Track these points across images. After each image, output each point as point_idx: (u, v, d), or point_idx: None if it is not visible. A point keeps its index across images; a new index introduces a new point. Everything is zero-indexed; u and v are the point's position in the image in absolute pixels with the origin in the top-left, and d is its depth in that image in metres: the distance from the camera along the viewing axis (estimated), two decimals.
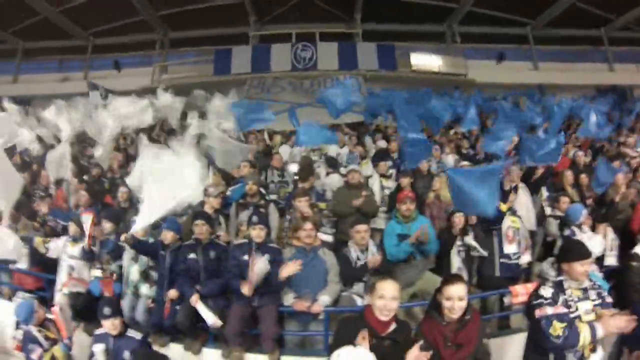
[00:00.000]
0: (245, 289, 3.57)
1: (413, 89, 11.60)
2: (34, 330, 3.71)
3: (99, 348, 3.33)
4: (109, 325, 3.29)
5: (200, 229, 3.98)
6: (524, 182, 5.74)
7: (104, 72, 18.07)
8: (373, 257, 3.89)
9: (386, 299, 2.48)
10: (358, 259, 3.97)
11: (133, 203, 5.75)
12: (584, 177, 6.01)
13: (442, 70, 16.46)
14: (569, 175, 5.95)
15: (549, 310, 2.59)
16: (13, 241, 5.09)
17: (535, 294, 2.74)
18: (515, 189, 5.20)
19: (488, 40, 17.76)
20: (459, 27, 17.39)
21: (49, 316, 3.97)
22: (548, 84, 15.97)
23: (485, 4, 15.91)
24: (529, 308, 2.77)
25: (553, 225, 4.72)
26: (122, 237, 4.07)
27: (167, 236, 4.08)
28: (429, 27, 17.65)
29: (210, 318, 3.66)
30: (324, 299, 3.71)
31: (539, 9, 16.28)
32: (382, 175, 6.04)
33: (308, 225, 3.89)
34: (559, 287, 2.71)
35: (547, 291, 2.68)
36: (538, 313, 2.62)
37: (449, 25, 17.54)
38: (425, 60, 16.57)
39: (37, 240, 5.07)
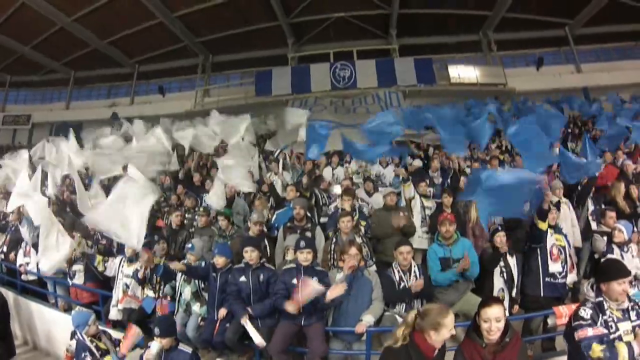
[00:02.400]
0: (290, 307, 3.68)
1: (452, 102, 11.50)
2: (87, 339, 3.99)
3: (155, 347, 3.53)
4: (158, 342, 3.51)
5: (250, 255, 4.14)
6: (568, 195, 5.58)
7: (149, 97, 19.19)
8: (417, 282, 3.94)
9: (445, 335, 2.52)
10: (401, 279, 4.03)
11: (185, 226, 6.10)
12: (634, 189, 5.71)
13: (481, 81, 16.30)
14: (621, 187, 5.55)
15: (590, 332, 2.61)
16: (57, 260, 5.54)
17: (574, 316, 2.74)
18: (558, 205, 5.05)
19: (525, 46, 17.45)
20: (494, 34, 17.19)
21: (102, 328, 4.33)
22: (593, 86, 15.36)
23: (519, 8, 15.65)
24: (568, 330, 2.77)
25: (600, 242, 4.50)
26: (174, 266, 4.38)
27: (220, 261, 4.30)
28: (465, 37, 17.58)
29: (257, 338, 3.80)
30: (368, 318, 3.78)
31: (576, 8, 15.84)
32: (422, 195, 6.03)
33: (353, 250, 3.97)
34: (598, 308, 2.71)
35: (586, 312, 2.69)
36: (578, 335, 2.63)
37: (484, 33, 17.37)
38: (464, 72, 16.50)
39: (98, 258, 5.51)
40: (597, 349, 2.53)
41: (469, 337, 2.66)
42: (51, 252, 5.44)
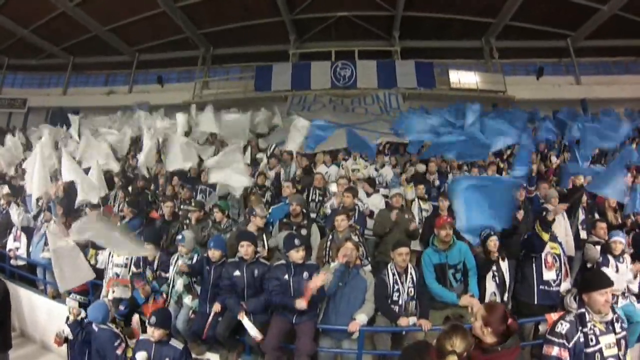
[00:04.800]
0: (301, 304, 3.64)
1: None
2: (113, 327, 4.03)
3: (140, 356, 3.50)
4: (151, 332, 3.48)
5: (246, 250, 4.11)
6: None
7: (148, 86, 19.02)
8: (402, 320, 3.86)
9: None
10: (395, 282, 4.00)
11: (178, 217, 6.05)
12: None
13: (481, 87, 16.33)
14: (612, 199, 5.70)
15: (554, 352, 2.60)
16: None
17: (551, 328, 2.73)
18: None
19: (527, 55, 17.47)
20: (496, 42, 17.21)
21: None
22: (591, 99, 15.35)
23: (523, 17, 15.66)
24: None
25: (592, 252, 4.55)
26: (181, 269, 4.38)
27: (215, 254, 4.27)
28: (467, 43, 17.57)
29: (254, 331, 3.76)
30: (362, 317, 3.77)
31: (579, 20, 15.87)
32: (420, 198, 6.10)
33: (349, 244, 3.95)
34: (579, 320, 2.68)
35: (563, 327, 2.66)
36: (544, 349, 2.64)
37: (486, 40, 17.39)
38: (464, 78, 16.51)
39: (91, 252, 5.43)
40: None
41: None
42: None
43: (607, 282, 2.74)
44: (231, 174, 6.22)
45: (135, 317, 4.34)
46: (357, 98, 14.79)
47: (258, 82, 16.82)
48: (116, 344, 3.89)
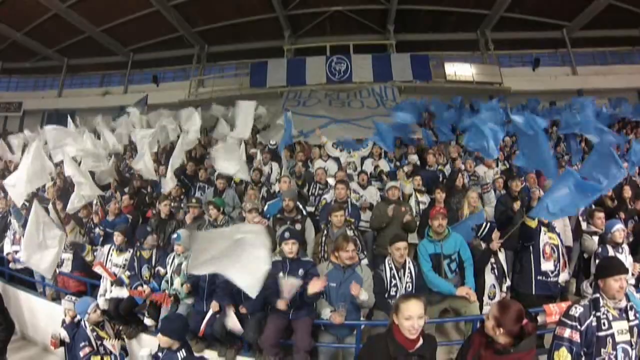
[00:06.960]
0: (281, 305, 3.66)
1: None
2: (87, 328, 4.01)
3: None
4: (158, 337, 3.44)
5: None
6: None
7: (143, 86, 18.96)
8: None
9: (413, 319, 2.41)
10: (393, 277, 3.97)
11: (173, 215, 6.04)
12: (627, 190, 5.82)
13: (477, 79, 16.34)
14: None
15: (566, 333, 2.63)
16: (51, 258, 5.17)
17: (566, 311, 2.77)
18: None
19: (522, 46, 17.45)
20: (492, 33, 17.18)
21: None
22: (588, 89, 15.40)
23: (518, 8, 15.68)
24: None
25: (589, 242, 4.52)
26: (185, 288, 4.35)
27: None
28: (462, 35, 17.54)
29: (234, 325, 3.79)
30: (364, 296, 3.73)
31: (574, 11, 15.88)
32: (417, 190, 6.08)
33: (350, 247, 3.88)
34: (593, 305, 2.72)
35: (577, 310, 2.70)
36: (557, 331, 2.68)
37: (482, 32, 17.35)
38: (460, 70, 16.51)
39: (87, 248, 5.43)
40: (564, 353, 2.58)
41: (479, 332, 2.59)
42: (42, 250, 5.07)
43: (622, 269, 2.78)
44: (235, 166, 6.47)
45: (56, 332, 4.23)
46: (353, 92, 14.78)
47: (253, 79, 16.81)
48: (82, 344, 3.90)
